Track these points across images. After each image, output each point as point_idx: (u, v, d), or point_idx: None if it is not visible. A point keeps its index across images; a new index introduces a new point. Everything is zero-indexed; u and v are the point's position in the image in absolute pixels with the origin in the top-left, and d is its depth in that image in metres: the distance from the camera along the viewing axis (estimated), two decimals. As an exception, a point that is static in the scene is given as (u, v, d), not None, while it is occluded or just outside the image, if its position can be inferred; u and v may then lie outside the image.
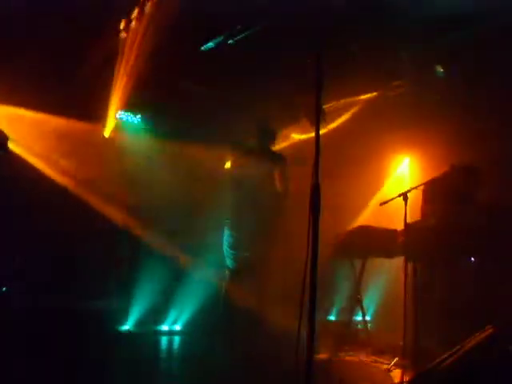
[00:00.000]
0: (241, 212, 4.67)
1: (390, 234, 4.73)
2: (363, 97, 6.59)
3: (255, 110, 6.08)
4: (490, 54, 5.15)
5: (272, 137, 4.97)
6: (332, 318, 6.29)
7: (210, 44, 4.95)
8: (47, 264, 5.38)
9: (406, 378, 3.58)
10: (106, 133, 6.29)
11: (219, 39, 4.90)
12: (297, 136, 7.12)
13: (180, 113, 6.10)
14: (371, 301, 6.33)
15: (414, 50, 5.47)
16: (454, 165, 4.84)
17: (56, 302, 5.04)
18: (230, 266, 4.76)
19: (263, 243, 4.67)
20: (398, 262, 4.67)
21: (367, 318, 5.26)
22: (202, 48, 5.02)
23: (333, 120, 6.72)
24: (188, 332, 5.39)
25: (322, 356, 4.37)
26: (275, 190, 4.74)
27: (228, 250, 4.76)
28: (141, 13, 5.11)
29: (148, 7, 5.03)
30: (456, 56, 5.35)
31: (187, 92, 6.08)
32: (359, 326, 5.29)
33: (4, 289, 5.20)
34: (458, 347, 4.12)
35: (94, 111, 5.97)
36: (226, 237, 4.79)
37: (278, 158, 4.90)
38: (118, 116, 6.30)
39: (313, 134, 2.25)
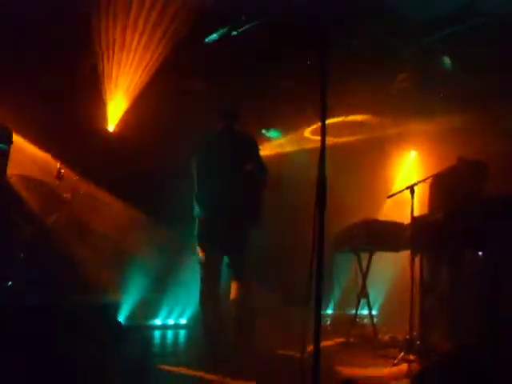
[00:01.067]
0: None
1: (397, 227, 4.70)
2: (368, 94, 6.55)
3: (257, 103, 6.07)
4: (495, 47, 5.11)
5: (233, 115, 4.36)
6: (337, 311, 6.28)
7: (214, 36, 4.89)
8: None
9: (412, 372, 3.56)
10: (111, 126, 6.25)
11: (223, 31, 4.84)
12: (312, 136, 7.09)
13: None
14: (377, 295, 6.31)
15: (418, 43, 5.43)
16: (461, 157, 4.81)
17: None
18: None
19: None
20: (405, 255, 4.64)
21: (373, 312, 5.23)
22: (206, 40, 4.96)
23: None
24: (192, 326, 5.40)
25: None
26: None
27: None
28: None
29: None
30: (461, 49, 5.31)
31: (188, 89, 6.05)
32: (365, 321, 5.27)
33: (10, 283, 5.21)
34: (464, 342, 4.12)
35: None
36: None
37: (247, 141, 4.40)
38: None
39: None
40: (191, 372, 3.51)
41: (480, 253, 4.38)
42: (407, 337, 4.02)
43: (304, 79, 4.65)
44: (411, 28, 5.13)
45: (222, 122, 4.32)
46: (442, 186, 4.73)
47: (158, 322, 5.45)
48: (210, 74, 5.74)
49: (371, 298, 5.01)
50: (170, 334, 5.27)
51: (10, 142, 4.68)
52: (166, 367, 3.61)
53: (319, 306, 2.10)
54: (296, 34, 4.85)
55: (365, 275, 4.89)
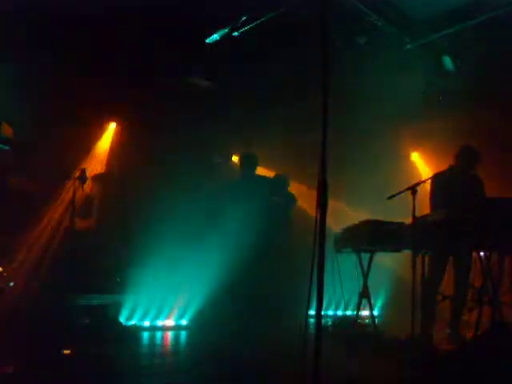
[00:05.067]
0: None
1: (398, 227, 4.68)
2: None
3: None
4: (497, 47, 5.10)
5: (255, 163, 5.65)
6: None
7: (215, 36, 4.87)
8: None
9: (415, 372, 3.56)
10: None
11: (224, 31, 4.81)
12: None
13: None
14: (379, 295, 6.30)
15: (420, 43, 5.43)
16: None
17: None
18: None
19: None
20: (406, 256, 4.63)
21: (375, 312, 5.22)
22: (207, 40, 4.93)
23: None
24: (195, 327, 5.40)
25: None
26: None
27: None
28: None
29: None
30: (462, 48, 5.30)
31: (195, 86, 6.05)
32: (367, 321, 5.26)
33: (11, 284, 5.24)
34: (467, 339, 4.12)
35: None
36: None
37: (262, 184, 5.53)
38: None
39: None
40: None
41: (482, 253, 4.37)
42: (409, 337, 4.01)
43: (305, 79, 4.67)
44: (413, 26, 5.11)
45: (241, 166, 5.54)
46: (443, 185, 4.72)
47: (159, 322, 5.45)
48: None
49: (372, 299, 4.99)
50: (171, 334, 5.27)
51: (11, 143, 4.66)
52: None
53: (320, 306, 2.10)
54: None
55: (366, 275, 4.88)
